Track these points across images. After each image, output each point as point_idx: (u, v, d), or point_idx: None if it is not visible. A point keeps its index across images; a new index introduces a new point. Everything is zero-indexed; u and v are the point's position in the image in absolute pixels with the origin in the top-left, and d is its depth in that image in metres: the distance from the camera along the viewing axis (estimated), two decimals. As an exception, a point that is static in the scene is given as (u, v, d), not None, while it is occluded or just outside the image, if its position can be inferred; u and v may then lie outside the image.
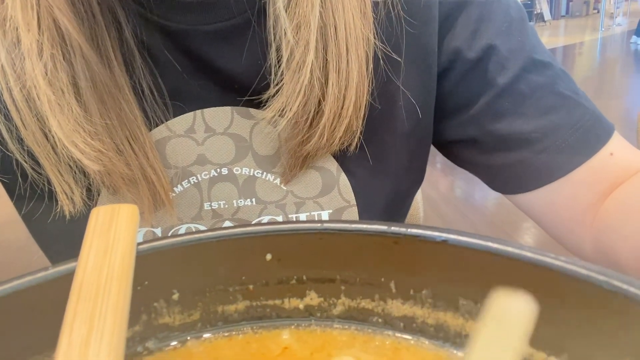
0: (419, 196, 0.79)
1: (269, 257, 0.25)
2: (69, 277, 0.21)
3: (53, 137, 0.36)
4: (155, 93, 0.39)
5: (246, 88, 0.40)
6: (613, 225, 0.40)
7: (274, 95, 0.38)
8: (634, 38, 7.65)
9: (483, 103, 0.43)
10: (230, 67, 0.40)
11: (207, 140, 0.41)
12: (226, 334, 0.25)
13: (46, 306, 0.21)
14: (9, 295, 0.21)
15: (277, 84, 0.38)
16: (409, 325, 0.23)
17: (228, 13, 0.39)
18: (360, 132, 0.40)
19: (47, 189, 0.39)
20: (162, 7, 0.38)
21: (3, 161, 0.40)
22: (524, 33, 0.44)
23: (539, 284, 0.19)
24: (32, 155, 0.38)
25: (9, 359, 0.21)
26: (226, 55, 0.40)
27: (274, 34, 0.37)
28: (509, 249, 0.20)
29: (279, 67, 0.37)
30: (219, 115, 0.41)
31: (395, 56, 0.41)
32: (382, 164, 0.44)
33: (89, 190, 0.39)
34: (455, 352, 0.22)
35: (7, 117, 0.37)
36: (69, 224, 0.39)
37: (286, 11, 0.36)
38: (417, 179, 0.49)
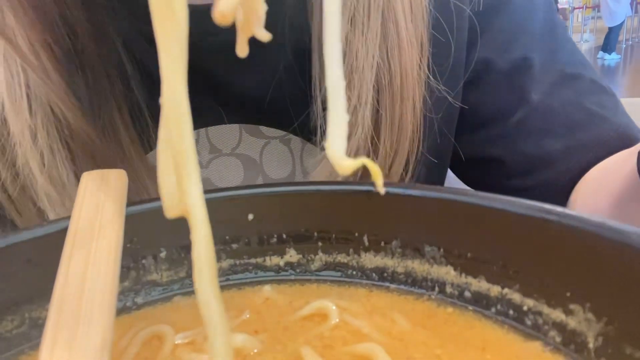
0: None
1: (250, 217, 0.26)
2: (62, 232, 0.22)
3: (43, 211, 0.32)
4: (155, 115, 0.35)
5: (258, 105, 0.36)
6: (581, 202, 0.40)
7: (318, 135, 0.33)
8: (600, 54, 7.95)
9: (516, 120, 0.40)
10: (239, 82, 0.36)
11: (212, 162, 0.37)
12: (211, 289, 0.26)
13: (41, 258, 0.23)
14: (6, 247, 0.22)
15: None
16: (381, 275, 0.25)
17: None
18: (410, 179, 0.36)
19: None
20: None
21: None
22: (558, 41, 0.41)
23: (493, 225, 0.22)
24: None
25: (6, 306, 0.22)
26: (234, 69, 0.35)
27: (319, 85, 0.32)
28: (464, 197, 0.22)
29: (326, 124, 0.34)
30: (226, 134, 0.36)
31: (432, 81, 0.36)
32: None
33: None
34: (422, 293, 0.24)
35: None
36: None
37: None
38: None
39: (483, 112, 0.41)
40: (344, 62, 0.31)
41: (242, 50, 0.16)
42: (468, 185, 0.46)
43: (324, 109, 0.33)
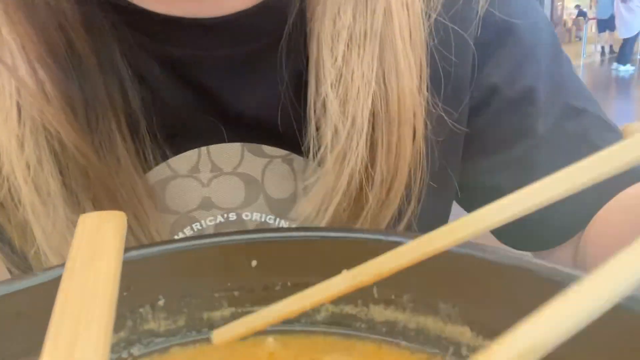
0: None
1: (254, 263, 0.25)
2: (55, 282, 0.21)
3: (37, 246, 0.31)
4: (156, 133, 0.34)
5: (261, 124, 0.35)
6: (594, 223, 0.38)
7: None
8: (614, 65, 7.89)
9: (520, 151, 0.39)
10: (241, 100, 0.35)
11: (213, 180, 0.36)
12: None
13: (33, 311, 0.22)
14: (-5, 299, 0.21)
15: (318, 163, 0.33)
16: (391, 330, 0.24)
17: (242, 36, 0.34)
18: (412, 214, 0.35)
19: None
20: (164, 32, 0.34)
21: None
22: (563, 73, 0.40)
23: (513, 286, 0.20)
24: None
25: (-7, 362, 0.21)
26: (236, 86, 0.35)
27: (313, 106, 0.32)
28: (482, 253, 0.21)
29: (319, 146, 0.33)
30: (227, 152, 0.36)
31: (431, 101, 0.34)
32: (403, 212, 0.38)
33: None
34: (435, 353, 0.22)
35: None
36: None
37: (332, 87, 0.31)
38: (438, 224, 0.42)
39: (487, 139, 0.40)
40: (339, 84, 0.31)
41: None
42: (467, 210, 0.44)
43: (317, 128, 0.33)
